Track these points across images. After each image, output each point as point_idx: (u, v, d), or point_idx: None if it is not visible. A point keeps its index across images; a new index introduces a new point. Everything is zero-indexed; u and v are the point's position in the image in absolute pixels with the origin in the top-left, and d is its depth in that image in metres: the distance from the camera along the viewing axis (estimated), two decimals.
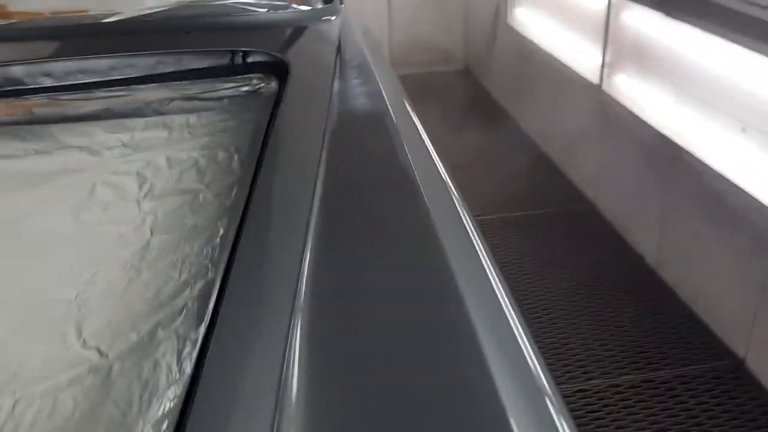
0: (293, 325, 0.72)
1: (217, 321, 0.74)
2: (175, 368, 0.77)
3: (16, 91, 1.37)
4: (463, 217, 0.95)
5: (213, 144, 1.21)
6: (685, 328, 2.30)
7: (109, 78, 1.41)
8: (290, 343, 0.69)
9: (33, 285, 0.93)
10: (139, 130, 1.27)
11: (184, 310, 0.84)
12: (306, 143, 1.07)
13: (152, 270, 0.93)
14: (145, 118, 1.31)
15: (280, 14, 1.67)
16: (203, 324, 0.81)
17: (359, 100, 1.29)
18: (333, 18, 1.66)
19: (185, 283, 0.89)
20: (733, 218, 2.06)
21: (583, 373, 2.14)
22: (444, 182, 1.03)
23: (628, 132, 2.62)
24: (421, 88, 4.56)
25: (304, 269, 0.79)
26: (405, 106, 1.27)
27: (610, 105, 2.70)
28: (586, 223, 2.94)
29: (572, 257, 2.71)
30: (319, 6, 1.72)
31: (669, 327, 2.31)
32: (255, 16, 1.64)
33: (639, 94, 2.51)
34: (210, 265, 0.91)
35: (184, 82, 1.40)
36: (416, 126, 1.20)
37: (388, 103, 1.24)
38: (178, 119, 1.30)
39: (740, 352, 2.12)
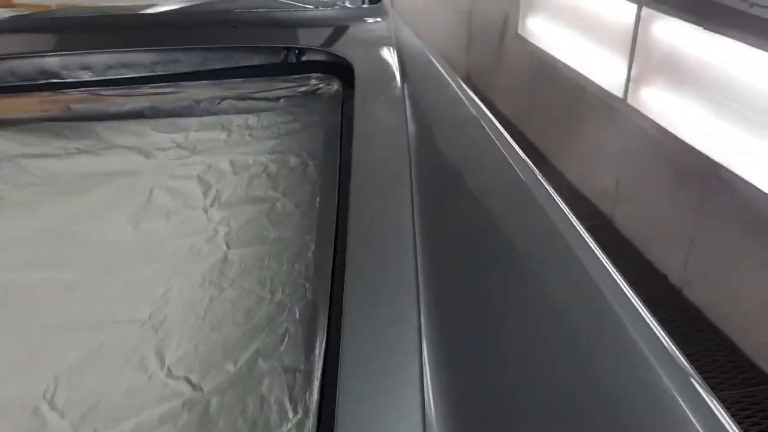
0: (423, 360, 0.62)
1: (341, 354, 0.63)
2: (288, 406, 0.66)
3: (51, 84, 1.25)
4: (575, 224, 0.89)
5: (281, 148, 1.10)
6: (717, 351, 2.23)
7: (153, 73, 1.29)
8: (424, 380, 0.60)
9: (97, 303, 0.81)
10: (193, 131, 1.16)
11: (287, 337, 0.73)
12: (392, 150, 0.98)
13: (237, 288, 0.82)
14: (199, 118, 1.19)
15: (329, 11, 1.57)
16: (315, 354, 0.70)
17: (436, 102, 1.19)
18: (382, 18, 1.57)
19: (281, 304, 0.78)
20: None
21: None
22: (545, 186, 0.96)
23: (655, 147, 2.56)
24: None
25: (421, 292, 0.70)
26: (482, 108, 1.18)
27: (636, 119, 2.64)
28: (603, 240, 2.86)
29: None
30: (366, 5, 1.63)
31: (699, 350, 2.24)
32: (303, 12, 1.53)
33: (669, 109, 2.45)
34: (307, 285, 0.80)
35: (235, 79, 1.29)
36: (500, 129, 1.11)
37: (468, 105, 1.15)
38: (236, 120, 1.19)
39: None
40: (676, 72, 2.41)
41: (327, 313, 0.72)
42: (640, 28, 2.58)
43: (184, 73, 1.30)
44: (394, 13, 1.65)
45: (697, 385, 0.65)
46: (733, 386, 2.10)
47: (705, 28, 2.21)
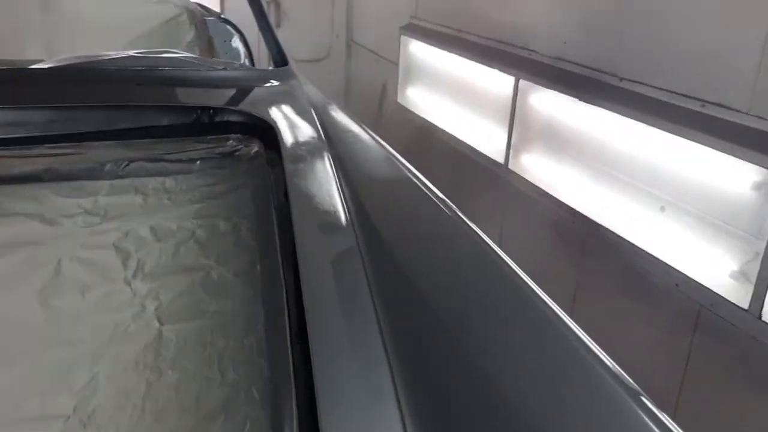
0: None
1: None
2: None
3: None
4: (515, 266, 0.97)
5: (207, 212, 1.03)
6: None
7: (49, 132, 1.18)
8: None
9: (8, 397, 0.70)
10: (103, 195, 1.07)
11: (248, 423, 0.67)
12: (331, 212, 0.95)
13: (178, 369, 0.74)
14: (108, 181, 1.10)
15: (238, 72, 1.54)
16: None
17: (364, 161, 1.18)
18: (291, 80, 1.55)
19: (235, 386, 0.71)
20: (651, 295, 2.14)
21: None
22: (479, 235, 1.01)
23: (536, 209, 2.69)
24: None
25: (390, 354, 0.67)
26: (410, 167, 1.18)
27: (516, 183, 2.77)
28: None
29: None
30: (273, 68, 1.61)
31: None
32: (212, 72, 1.48)
33: (548, 173, 2.59)
34: (264, 362, 0.74)
35: (142, 140, 1.21)
36: (427, 183, 1.13)
37: (396, 163, 1.15)
38: (151, 182, 1.11)
39: None
40: (556, 139, 2.56)
41: (294, 392, 0.66)
42: (518, 99, 2.73)
43: (85, 133, 1.20)
44: (301, 76, 1.64)
45: (647, 402, 0.72)
46: None
47: (580, 100, 2.38)
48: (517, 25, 2.82)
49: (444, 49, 3.29)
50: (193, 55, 1.54)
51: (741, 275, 1.83)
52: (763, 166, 1.73)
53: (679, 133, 1.97)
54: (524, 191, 2.73)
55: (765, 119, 1.77)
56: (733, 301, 1.83)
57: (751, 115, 1.81)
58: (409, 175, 1.13)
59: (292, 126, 1.22)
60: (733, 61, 1.87)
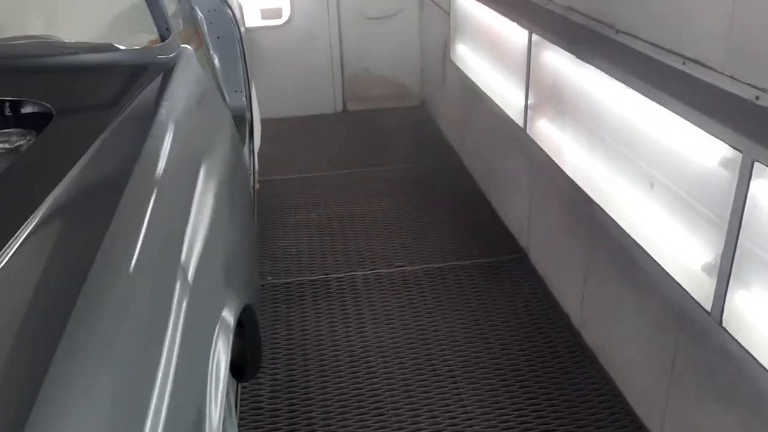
0: None
1: None
2: None
3: None
4: None
5: None
6: (602, 400, 2.08)
7: None
8: None
9: None
10: None
11: None
12: None
13: None
14: None
15: (95, 57, 1.49)
16: None
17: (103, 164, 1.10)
18: (167, 57, 1.48)
19: None
20: (644, 283, 1.85)
21: None
22: None
23: (551, 180, 2.42)
24: (372, 126, 4.39)
25: None
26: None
27: (534, 150, 2.51)
28: (517, 276, 2.73)
29: (495, 314, 2.50)
30: (154, 47, 1.54)
31: (585, 401, 2.08)
32: (67, 58, 1.45)
33: (558, 141, 2.31)
34: None
35: None
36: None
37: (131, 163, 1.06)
38: None
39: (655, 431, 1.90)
40: (561, 103, 2.28)
41: None
42: (532, 56, 2.45)
43: None
44: (186, 53, 1.55)
45: None
46: None
47: (578, 57, 2.08)
48: None
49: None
50: (57, 40, 1.51)
51: (711, 268, 1.52)
52: (730, 144, 1.40)
53: (659, 99, 1.65)
54: (540, 160, 2.47)
55: (738, 80, 1.43)
56: (698, 300, 1.54)
57: (725, 75, 1.47)
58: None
59: (73, 117, 1.16)
60: (706, 12, 1.53)
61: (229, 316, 1.03)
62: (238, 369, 1.45)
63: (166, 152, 1.16)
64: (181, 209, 1.08)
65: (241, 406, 2.08)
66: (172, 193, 1.07)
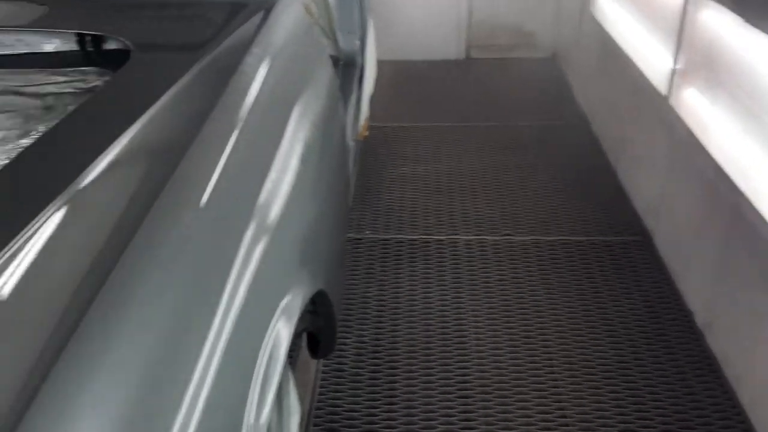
0: None
1: None
2: None
3: None
4: None
5: None
6: (721, 417, 1.82)
7: None
8: None
9: None
10: None
11: None
12: None
13: None
14: None
15: None
16: None
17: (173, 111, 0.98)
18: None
19: None
20: None
21: None
22: None
23: (692, 161, 2.12)
24: (495, 77, 4.12)
25: None
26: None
27: (675, 123, 2.20)
28: (638, 261, 2.46)
29: (608, 300, 2.26)
30: None
31: (701, 415, 1.84)
32: None
33: (707, 117, 2.00)
34: None
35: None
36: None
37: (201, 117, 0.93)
38: None
39: None
40: (716, 72, 1.95)
41: None
42: (687, 13, 2.12)
43: None
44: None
45: None
46: None
47: (747, 21, 1.75)
48: None
49: None
50: None
51: None
52: None
53: None
54: (682, 136, 2.15)
55: None
56: None
57: None
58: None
59: (153, 57, 1.05)
60: None
61: (294, 302, 0.91)
62: (314, 343, 1.34)
63: (249, 104, 1.03)
64: (253, 172, 0.95)
65: (323, 366, 2.00)
66: (245, 154, 0.94)
